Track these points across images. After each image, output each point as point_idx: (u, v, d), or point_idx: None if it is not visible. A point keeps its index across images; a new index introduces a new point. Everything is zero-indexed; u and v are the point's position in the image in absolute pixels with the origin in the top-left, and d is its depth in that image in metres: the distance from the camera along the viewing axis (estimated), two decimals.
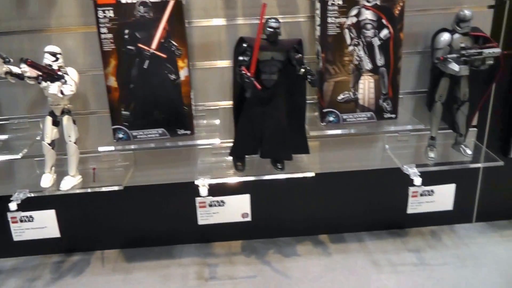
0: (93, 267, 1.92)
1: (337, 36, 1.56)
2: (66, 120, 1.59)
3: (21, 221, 1.65)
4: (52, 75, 1.49)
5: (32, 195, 1.62)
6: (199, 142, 1.61)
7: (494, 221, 2.12)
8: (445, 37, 1.61)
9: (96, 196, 1.71)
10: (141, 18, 1.49)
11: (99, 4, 1.47)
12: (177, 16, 1.50)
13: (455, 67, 1.57)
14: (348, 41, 1.57)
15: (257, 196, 1.73)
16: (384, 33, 1.57)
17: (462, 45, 1.59)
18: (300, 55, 1.52)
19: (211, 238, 2.02)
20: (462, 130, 1.75)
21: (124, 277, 1.85)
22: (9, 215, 1.62)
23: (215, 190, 1.62)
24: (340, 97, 1.62)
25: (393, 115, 1.66)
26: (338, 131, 1.64)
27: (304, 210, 2.01)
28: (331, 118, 1.64)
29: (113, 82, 1.55)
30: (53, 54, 1.52)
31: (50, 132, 1.59)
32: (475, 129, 1.88)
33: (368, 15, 1.55)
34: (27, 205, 1.61)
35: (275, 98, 1.55)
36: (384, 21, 1.56)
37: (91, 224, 1.97)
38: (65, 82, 1.52)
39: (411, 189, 1.67)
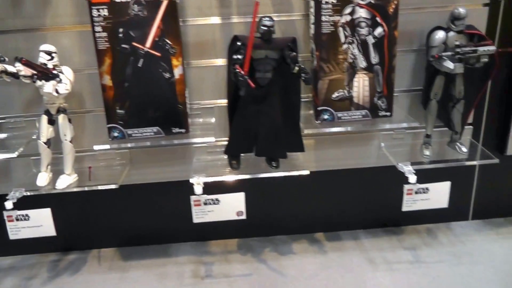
0: (89, 265, 1.92)
1: (331, 34, 1.56)
2: (61, 119, 1.60)
3: (17, 219, 1.65)
4: (47, 74, 1.50)
5: (28, 193, 1.62)
6: (193, 140, 1.61)
7: (490, 219, 2.12)
8: (440, 35, 1.62)
9: (92, 195, 1.72)
10: (135, 16, 1.49)
11: (93, 3, 1.47)
12: (171, 14, 1.50)
13: (449, 65, 1.57)
14: (342, 39, 1.57)
15: (252, 195, 1.73)
16: (379, 31, 1.58)
17: (457, 43, 1.60)
18: (294, 53, 1.52)
19: (207, 237, 2.03)
20: (458, 128, 1.75)
21: (120, 276, 1.85)
22: (5, 213, 1.62)
23: (210, 188, 1.62)
24: (335, 95, 1.63)
25: (388, 113, 1.67)
26: (333, 129, 1.64)
27: (299, 208, 2.01)
28: (325, 116, 1.64)
29: (108, 80, 1.55)
30: (48, 53, 1.52)
31: (45, 131, 1.59)
32: (471, 127, 1.88)
33: (362, 13, 1.55)
34: (23, 204, 1.61)
35: (270, 96, 1.55)
36: (378, 19, 1.56)
37: (88, 222, 1.97)
38: (60, 81, 1.52)
39: (406, 186, 1.67)
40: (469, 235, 2.02)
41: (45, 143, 1.60)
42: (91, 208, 1.94)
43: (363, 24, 1.56)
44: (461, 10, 1.58)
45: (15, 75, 1.46)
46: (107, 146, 1.60)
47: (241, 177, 1.64)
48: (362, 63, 1.60)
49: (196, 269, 1.86)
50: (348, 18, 1.55)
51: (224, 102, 1.68)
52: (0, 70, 1.44)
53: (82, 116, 1.72)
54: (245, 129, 1.57)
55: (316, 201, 2.01)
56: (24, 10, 1.60)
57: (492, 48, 1.57)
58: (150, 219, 1.98)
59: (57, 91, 1.51)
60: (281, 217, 2.03)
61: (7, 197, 1.58)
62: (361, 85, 1.62)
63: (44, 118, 1.59)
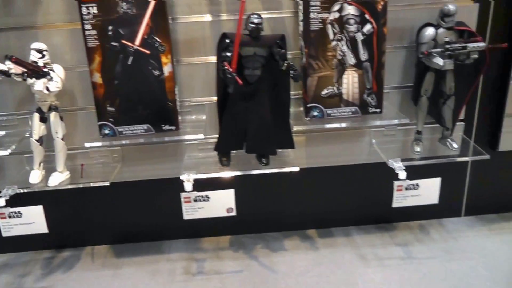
0: (83, 262, 1.93)
1: (319, 31, 1.57)
2: (53, 116, 1.61)
3: (10, 217, 1.66)
4: (37, 72, 1.51)
5: (21, 191, 1.63)
6: (183, 137, 1.62)
7: (483, 215, 2.12)
8: (430, 31, 1.62)
9: (84, 192, 1.74)
10: (124, 14, 1.50)
11: (83, 1, 1.48)
12: (160, 12, 1.51)
13: (439, 61, 1.58)
14: (331, 36, 1.58)
15: (243, 191, 1.74)
16: (367, 28, 1.58)
17: (447, 39, 1.60)
18: (283, 50, 1.53)
19: (199, 233, 2.03)
20: (449, 124, 1.75)
21: (113, 273, 1.86)
22: None
23: (201, 185, 1.63)
24: (324, 92, 1.63)
25: (377, 110, 1.67)
26: (323, 126, 1.65)
27: (291, 205, 2.02)
28: (315, 113, 1.65)
29: (98, 78, 1.56)
30: (39, 51, 1.53)
31: (37, 128, 1.61)
32: (463, 123, 1.88)
33: (350, 10, 1.56)
34: (16, 201, 1.62)
35: (259, 93, 1.56)
36: (367, 16, 1.57)
37: (81, 220, 1.98)
38: (51, 79, 1.53)
39: (396, 183, 1.68)
40: (461, 231, 2.02)
41: (37, 140, 1.62)
42: (84, 206, 1.95)
43: (351, 21, 1.57)
44: (451, 7, 1.58)
45: (6, 73, 1.47)
46: (98, 144, 1.61)
47: (231, 174, 1.65)
48: (351, 60, 1.61)
49: (188, 266, 1.87)
50: (337, 15, 1.56)
51: (214, 99, 1.69)
52: None
53: (74, 114, 1.73)
54: (235, 126, 1.57)
55: (307, 197, 2.01)
56: (15, 8, 1.61)
57: (482, 44, 1.57)
58: (143, 216, 1.99)
59: (47, 89, 1.52)
60: (272, 213, 2.03)
61: (0, 195, 1.59)
62: (350, 82, 1.63)
63: (36, 116, 1.60)
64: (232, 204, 1.69)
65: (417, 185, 1.71)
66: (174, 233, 2.03)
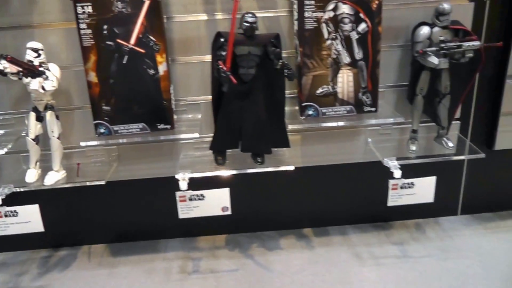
0: (79, 261, 1.94)
1: (314, 30, 1.57)
2: (49, 115, 1.61)
3: (6, 216, 1.66)
4: (33, 71, 1.51)
5: (18, 190, 1.63)
6: (178, 136, 1.62)
7: (479, 214, 2.12)
8: (425, 30, 1.62)
9: (81, 191, 1.74)
10: (119, 13, 1.50)
11: (78, 0, 1.49)
12: (155, 11, 1.51)
13: (434, 60, 1.58)
14: (326, 35, 1.58)
15: (239, 190, 1.74)
16: (362, 27, 1.58)
17: (442, 38, 1.60)
18: (277, 49, 1.53)
19: (195, 232, 2.04)
20: (444, 123, 1.75)
21: (109, 272, 1.86)
22: None
23: (197, 184, 1.64)
24: (319, 91, 1.63)
25: (373, 109, 1.67)
26: (318, 125, 1.65)
27: (286, 204, 2.02)
28: (310, 112, 1.65)
29: (93, 77, 1.56)
30: (35, 50, 1.53)
31: (33, 127, 1.61)
32: (459, 122, 1.88)
33: (345, 9, 1.56)
34: (13, 200, 1.63)
35: (254, 92, 1.56)
36: (361, 15, 1.57)
37: (78, 219, 1.99)
38: (46, 78, 1.53)
39: (391, 181, 1.68)
40: (457, 229, 2.03)
41: (33, 139, 1.62)
42: (80, 205, 1.95)
43: (346, 20, 1.57)
44: (446, 6, 1.58)
45: (2, 73, 1.48)
46: (93, 143, 1.61)
47: (226, 172, 1.65)
48: (346, 58, 1.61)
49: (183, 265, 1.88)
50: (331, 14, 1.56)
51: (210, 98, 1.69)
52: None
53: (71, 113, 1.73)
54: (230, 125, 1.58)
55: (303, 196, 2.01)
56: (11, 7, 1.61)
57: (477, 43, 1.57)
58: (139, 215, 1.99)
59: (43, 88, 1.52)
60: (268, 212, 2.04)
61: None
62: (345, 80, 1.63)
63: (32, 115, 1.60)
64: (227, 203, 1.69)
65: (412, 183, 1.71)
66: (170, 232, 2.03)
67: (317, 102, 1.64)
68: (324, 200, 2.03)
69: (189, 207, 1.66)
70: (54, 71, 1.56)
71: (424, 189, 1.73)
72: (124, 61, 1.54)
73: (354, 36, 1.59)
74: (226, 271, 1.82)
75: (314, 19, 1.56)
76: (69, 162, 1.77)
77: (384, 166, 1.68)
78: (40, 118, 1.61)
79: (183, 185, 1.59)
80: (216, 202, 1.68)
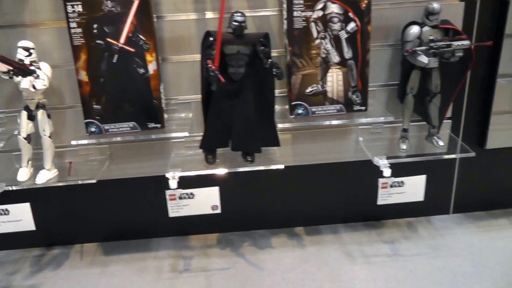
0: (72, 260, 1.94)
1: (303, 29, 1.57)
2: (40, 114, 1.61)
3: None
4: (23, 70, 1.52)
5: (9, 188, 1.64)
6: (168, 135, 1.63)
7: (471, 213, 2.13)
8: (414, 29, 1.63)
9: (72, 190, 1.73)
10: (109, 12, 1.51)
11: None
12: (145, 10, 1.52)
13: (424, 59, 1.59)
14: (315, 34, 1.59)
15: (229, 189, 1.75)
16: (351, 26, 1.59)
17: (431, 37, 1.61)
18: (266, 48, 1.53)
19: (186, 231, 2.04)
20: (435, 122, 1.76)
21: (101, 270, 1.87)
22: None
23: (188, 183, 1.64)
24: (308, 90, 1.64)
25: (362, 108, 1.68)
26: (308, 123, 1.66)
27: (277, 202, 2.02)
28: (300, 111, 1.65)
29: (84, 76, 1.57)
30: (26, 49, 1.54)
31: (25, 126, 1.61)
32: (450, 121, 1.88)
33: (334, 8, 1.56)
34: (5, 198, 1.64)
35: (244, 91, 1.56)
36: (350, 14, 1.57)
37: (69, 217, 1.99)
38: (37, 77, 1.54)
39: (381, 180, 1.69)
40: (449, 228, 2.03)
41: (25, 138, 1.62)
42: (72, 203, 1.96)
43: (335, 20, 1.57)
44: (435, 5, 1.59)
45: None
46: (84, 141, 1.61)
47: (216, 171, 1.65)
48: (335, 58, 1.62)
49: (175, 264, 1.88)
50: (320, 13, 1.57)
51: (200, 97, 1.69)
52: None
53: (62, 112, 1.74)
54: (219, 124, 1.58)
55: (293, 195, 2.02)
56: (3, 7, 1.61)
57: (466, 42, 1.58)
58: (131, 214, 2.00)
59: (34, 87, 1.53)
60: (259, 211, 2.04)
61: None
62: (335, 79, 1.64)
63: (24, 114, 1.61)
64: (217, 202, 1.70)
65: (402, 182, 1.72)
66: (161, 231, 2.04)
67: (307, 101, 1.65)
68: (315, 199, 2.03)
69: (179, 206, 1.67)
70: (45, 70, 1.56)
71: (414, 188, 1.74)
72: (114, 60, 1.55)
73: (343, 35, 1.59)
74: (217, 269, 1.83)
75: (303, 18, 1.56)
76: (60, 161, 1.77)
77: (374, 164, 1.69)
78: (31, 117, 1.62)
79: (173, 183, 1.59)
80: (206, 201, 1.69)
